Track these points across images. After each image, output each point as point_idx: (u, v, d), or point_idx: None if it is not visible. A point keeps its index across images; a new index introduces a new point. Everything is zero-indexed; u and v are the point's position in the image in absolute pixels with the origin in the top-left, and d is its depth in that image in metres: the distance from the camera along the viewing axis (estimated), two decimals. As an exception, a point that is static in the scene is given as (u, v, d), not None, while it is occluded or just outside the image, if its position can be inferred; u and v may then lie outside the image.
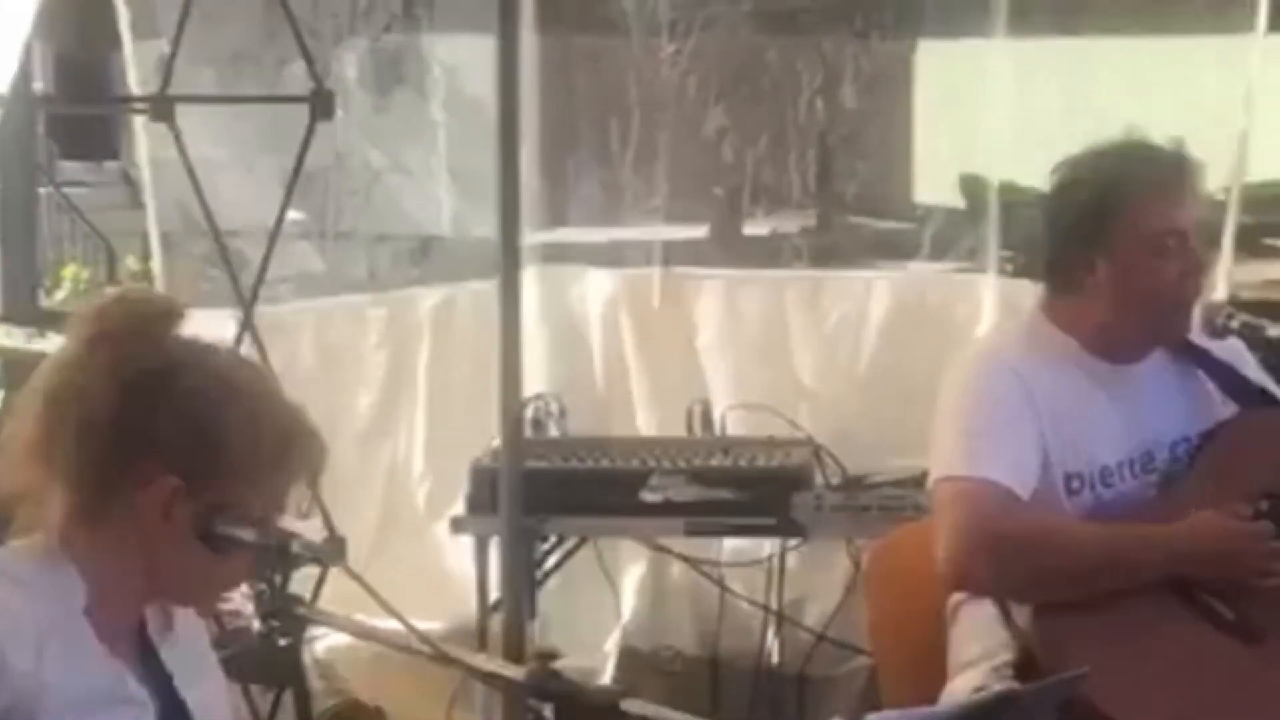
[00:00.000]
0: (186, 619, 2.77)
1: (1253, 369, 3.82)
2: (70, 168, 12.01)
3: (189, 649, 2.75)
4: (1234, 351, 3.79)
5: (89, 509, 2.56)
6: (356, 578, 2.52)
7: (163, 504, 2.55)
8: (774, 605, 5.49)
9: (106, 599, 2.58)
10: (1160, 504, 3.65)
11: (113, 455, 2.55)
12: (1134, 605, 3.49)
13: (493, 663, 2.51)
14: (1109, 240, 3.63)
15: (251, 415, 2.58)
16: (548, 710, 2.37)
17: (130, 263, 8.41)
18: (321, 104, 5.20)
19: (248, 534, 2.58)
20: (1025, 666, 3.52)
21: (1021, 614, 3.56)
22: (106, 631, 2.58)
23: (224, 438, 2.55)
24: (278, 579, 2.60)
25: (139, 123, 5.92)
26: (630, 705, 2.34)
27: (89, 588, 2.56)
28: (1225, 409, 3.77)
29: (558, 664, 2.41)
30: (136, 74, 5.99)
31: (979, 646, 3.66)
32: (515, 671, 2.41)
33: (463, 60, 6.23)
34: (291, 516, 2.66)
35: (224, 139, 5.99)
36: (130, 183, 10.55)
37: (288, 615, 2.57)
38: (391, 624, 2.56)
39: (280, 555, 2.55)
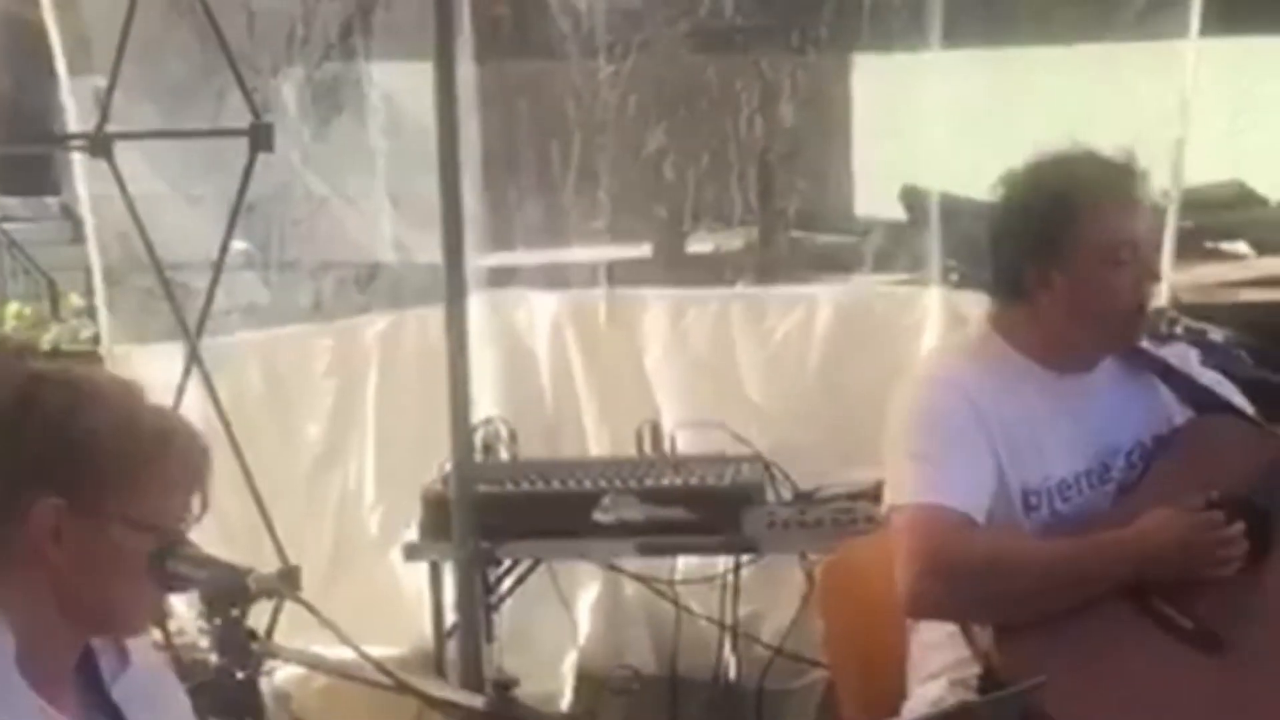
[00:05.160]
0: (145, 654, 2.76)
1: (1199, 373, 3.84)
2: (9, 204, 11.91)
3: (149, 686, 2.73)
4: (1181, 356, 3.81)
5: None
6: (314, 612, 2.52)
7: (50, 528, 2.52)
8: (729, 621, 5.50)
9: (35, 646, 2.55)
10: (1116, 513, 3.65)
11: None
12: (1094, 620, 3.49)
13: (452, 691, 2.52)
14: (1061, 252, 3.62)
15: (118, 418, 2.56)
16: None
17: (74, 299, 8.36)
18: (261, 136, 5.20)
19: (202, 571, 2.57)
20: (989, 681, 3.52)
21: (982, 631, 3.56)
22: (43, 680, 2.56)
23: (93, 442, 2.53)
24: (234, 614, 2.58)
25: (78, 159, 5.91)
26: (590, 729, 2.35)
27: (17, 639, 2.54)
28: (1180, 413, 3.78)
29: (516, 691, 2.42)
30: (74, 110, 5.99)
31: (941, 659, 3.67)
32: (474, 700, 2.41)
33: (401, 87, 6.23)
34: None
35: (164, 172, 5.98)
36: (72, 217, 10.48)
37: (245, 651, 2.56)
38: (349, 652, 2.57)
39: (236, 592, 2.55)
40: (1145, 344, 3.77)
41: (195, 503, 2.63)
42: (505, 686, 2.38)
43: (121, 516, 2.55)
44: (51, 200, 11.95)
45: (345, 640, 2.47)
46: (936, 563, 3.50)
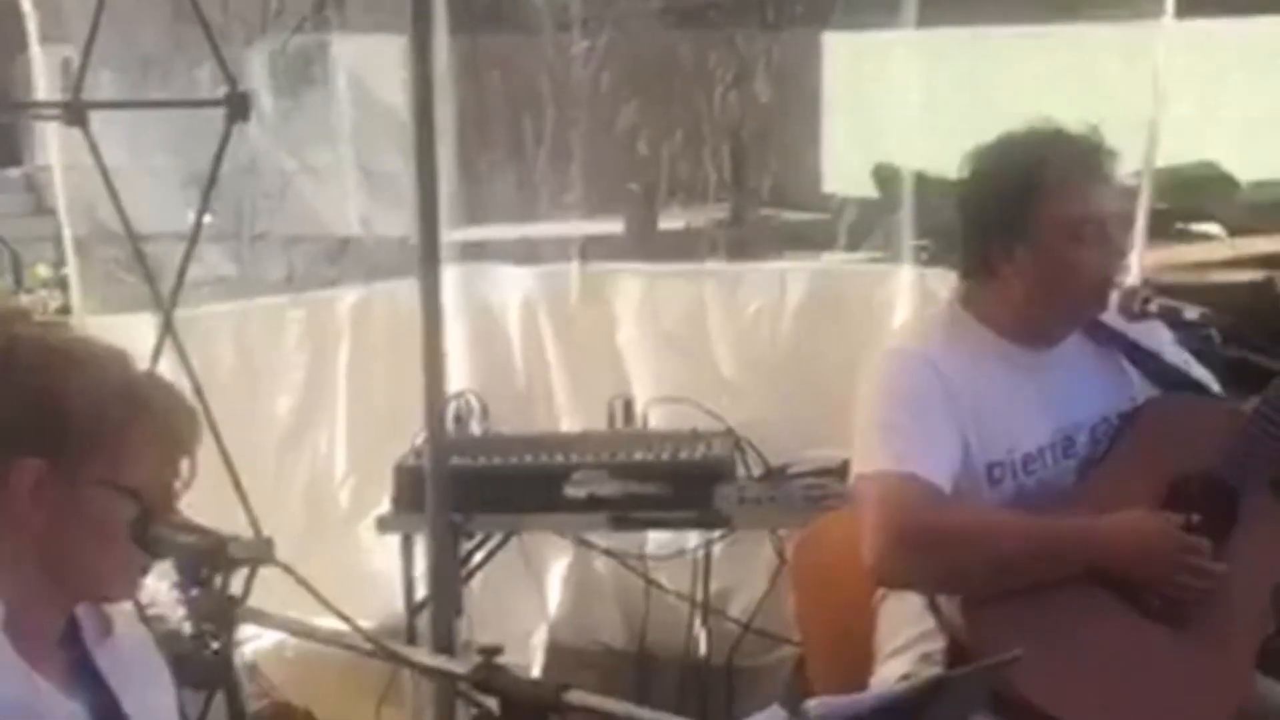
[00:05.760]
0: (128, 624, 2.76)
1: (1171, 350, 3.87)
2: (-30, 176, 11.89)
3: (132, 655, 2.73)
4: (1152, 334, 3.83)
5: None
6: (297, 577, 2.52)
7: (29, 488, 2.53)
8: (699, 597, 5.51)
9: (22, 612, 2.56)
10: (1080, 489, 3.68)
11: None
12: (1061, 593, 3.51)
13: (436, 658, 2.53)
14: (1027, 227, 3.65)
15: (99, 381, 2.56)
16: (492, 704, 2.38)
17: (41, 270, 8.35)
18: (237, 106, 5.17)
19: (186, 536, 2.57)
20: (954, 654, 3.55)
21: (949, 604, 3.58)
22: (28, 645, 2.57)
23: (66, 404, 2.53)
24: (216, 581, 2.58)
25: (50, 129, 5.88)
26: (573, 696, 2.36)
27: (4, 605, 2.54)
28: (1144, 390, 3.81)
29: (499, 658, 2.43)
30: (41, 80, 5.97)
31: (907, 633, 3.69)
32: (459, 666, 2.42)
33: (372, 60, 6.23)
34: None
35: (130, 144, 5.96)
36: (34, 189, 10.48)
37: (225, 617, 2.56)
38: (324, 622, 2.57)
39: (218, 558, 2.54)
40: (1114, 321, 3.79)
41: (183, 467, 2.63)
42: (490, 653, 2.39)
43: (102, 480, 2.56)
44: (14, 172, 11.92)
45: (328, 605, 2.46)
46: (906, 531, 3.52)
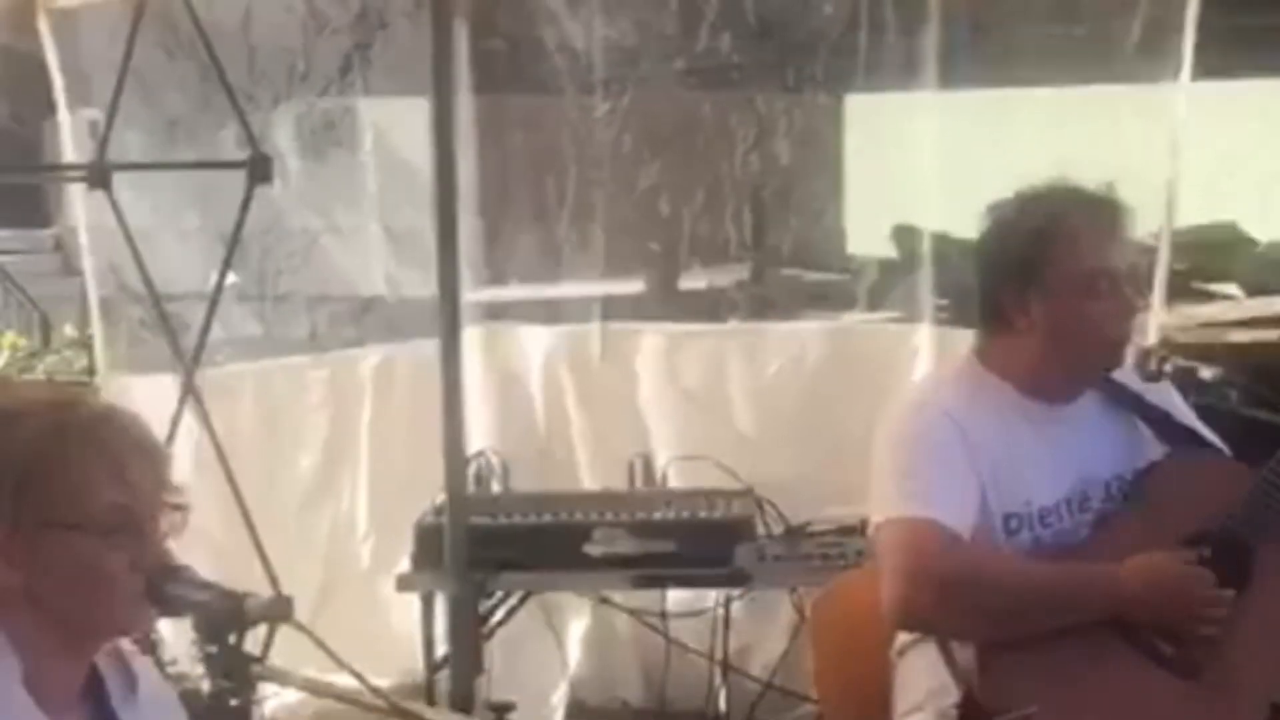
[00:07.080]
0: (153, 682, 2.77)
1: (1182, 411, 3.88)
2: (1, 236, 11.98)
3: (156, 712, 2.74)
4: (1164, 394, 3.85)
5: None
6: (311, 635, 2.53)
7: None
8: (719, 655, 5.52)
9: (39, 667, 2.57)
10: (1096, 543, 3.69)
11: None
12: (1076, 643, 3.52)
13: (450, 716, 2.54)
14: (1042, 280, 3.66)
15: (22, 430, 2.57)
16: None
17: (67, 330, 8.40)
18: (259, 168, 5.22)
19: (198, 595, 2.58)
20: (969, 708, 3.56)
21: (964, 654, 3.59)
22: (50, 701, 2.57)
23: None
24: (230, 639, 2.59)
25: (75, 190, 5.94)
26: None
27: (24, 661, 2.56)
28: (1158, 449, 3.82)
29: (511, 715, 2.44)
30: (68, 143, 6.03)
31: (924, 690, 3.69)
32: (471, 724, 2.44)
33: (396, 122, 6.27)
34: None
35: (156, 205, 6.01)
36: (62, 250, 10.54)
37: (243, 675, 2.57)
38: (341, 680, 2.58)
39: (233, 616, 2.56)
40: (1129, 380, 3.81)
41: (139, 488, 2.60)
42: (501, 710, 2.40)
43: (46, 522, 2.56)
44: (44, 233, 11.98)
45: (342, 664, 2.48)
46: (926, 575, 3.53)
